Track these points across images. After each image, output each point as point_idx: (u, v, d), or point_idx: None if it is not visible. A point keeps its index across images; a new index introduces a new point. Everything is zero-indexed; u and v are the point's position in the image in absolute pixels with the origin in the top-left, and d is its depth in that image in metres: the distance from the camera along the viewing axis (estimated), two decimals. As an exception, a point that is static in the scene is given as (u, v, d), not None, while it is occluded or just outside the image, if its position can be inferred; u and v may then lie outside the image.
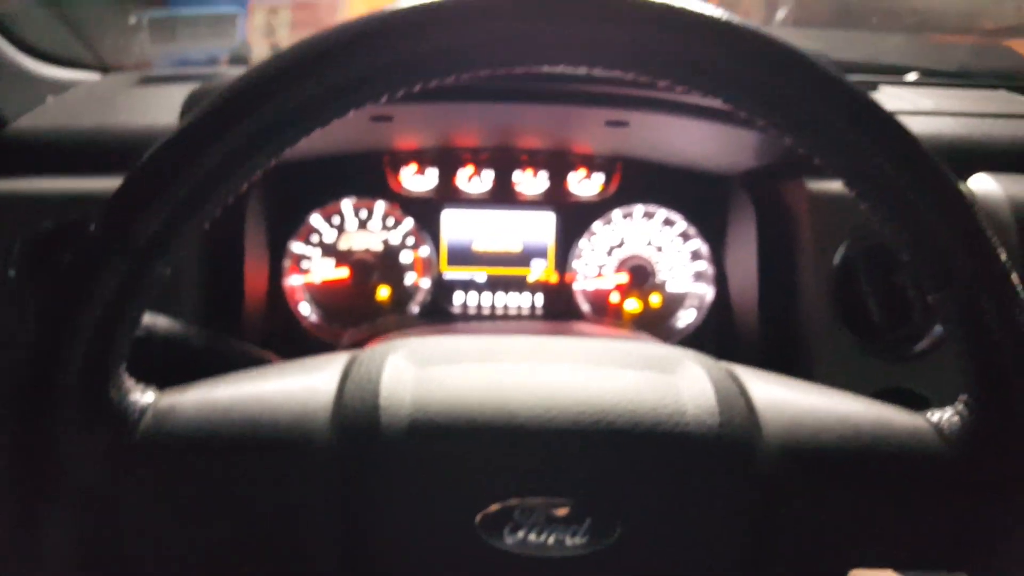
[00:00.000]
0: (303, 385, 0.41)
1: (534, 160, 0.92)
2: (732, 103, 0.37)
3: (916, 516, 0.40)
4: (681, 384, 0.41)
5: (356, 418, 0.39)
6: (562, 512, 0.37)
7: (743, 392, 0.41)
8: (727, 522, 0.38)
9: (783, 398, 0.42)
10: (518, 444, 0.38)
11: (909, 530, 0.40)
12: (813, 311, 0.78)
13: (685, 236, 0.93)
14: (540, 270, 0.92)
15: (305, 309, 0.91)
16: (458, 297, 0.92)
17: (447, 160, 0.92)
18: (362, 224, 0.91)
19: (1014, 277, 0.38)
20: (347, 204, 0.91)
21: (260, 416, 0.39)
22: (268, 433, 0.38)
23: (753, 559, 0.39)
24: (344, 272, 0.90)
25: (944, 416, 0.41)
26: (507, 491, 0.37)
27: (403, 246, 0.91)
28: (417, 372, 0.41)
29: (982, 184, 0.75)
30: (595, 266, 0.93)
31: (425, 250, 0.91)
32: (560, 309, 0.93)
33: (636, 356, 0.43)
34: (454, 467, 0.38)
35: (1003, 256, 0.38)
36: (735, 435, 0.39)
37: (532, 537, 0.37)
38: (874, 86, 0.92)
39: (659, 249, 0.93)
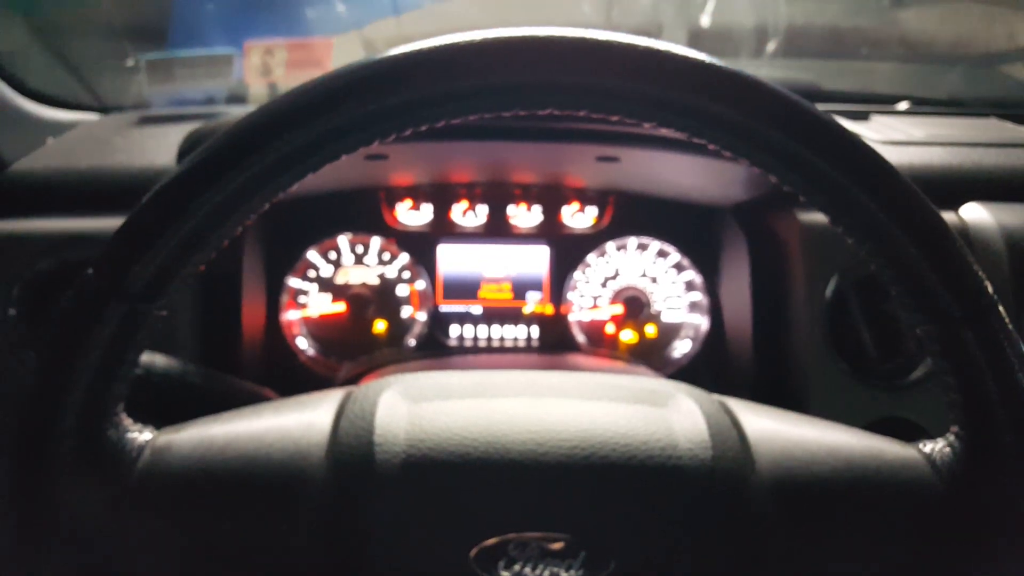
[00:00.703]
0: (298, 422, 0.41)
1: (527, 194, 0.93)
2: (715, 144, 0.38)
3: (907, 548, 0.40)
4: (673, 417, 0.41)
5: (351, 454, 0.39)
6: (557, 546, 0.37)
7: (735, 424, 0.42)
8: (720, 555, 0.38)
9: (775, 430, 0.42)
10: (512, 479, 0.38)
11: (901, 562, 0.40)
12: (806, 341, 0.79)
13: (679, 267, 0.93)
14: (535, 302, 0.93)
15: (302, 343, 0.91)
16: (454, 330, 0.93)
17: (442, 195, 0.93)
18: (358, 259, 0.92)
19: (999, 310, 0.39)
20: (343, 240, 0.92)
21: (256, 454, 0.39)
22: (264, 470, 0.39)
23: None
24: (341, 307, 0.91)
25: (936, 448, 0.41)
26: (501, 526, 0.37)
27: (399, 280, 0.92)
28: (411, 408, 0.41)
29: (973, 213, 0.76)
30: (590, 297, 0.93)
31: (421, 284, 0.92)
32: (556, 340, 0.93)
33: (628, 390, 0.44)
34: (448, 502, 0.38)
35: (988, 289, 0.38)
36: (728, 468, 0.39)
37: (527, 571, 0.37)
38: (865, 116, 0.93)
39: (654, 280, 0.93)
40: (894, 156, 0.77)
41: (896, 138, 0.85)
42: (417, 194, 0.92)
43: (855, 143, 0.38)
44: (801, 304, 0.79)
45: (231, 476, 0.39)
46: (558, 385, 0.45)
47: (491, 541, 0.37)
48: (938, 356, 0.39)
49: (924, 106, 1.00)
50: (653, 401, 0.43)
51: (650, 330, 0.93)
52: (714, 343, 0.93)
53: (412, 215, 0.92)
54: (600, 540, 0.38)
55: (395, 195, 0.92)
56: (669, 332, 0.93)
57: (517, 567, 0.37)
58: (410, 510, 0.38)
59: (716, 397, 0.44)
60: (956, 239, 0.38)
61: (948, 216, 0.43)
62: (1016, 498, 0.39)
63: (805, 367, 0.78)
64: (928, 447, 0.42)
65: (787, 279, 0.81)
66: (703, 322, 0.93)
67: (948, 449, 0.41)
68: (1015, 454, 0.39)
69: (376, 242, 0.92)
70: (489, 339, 0.93)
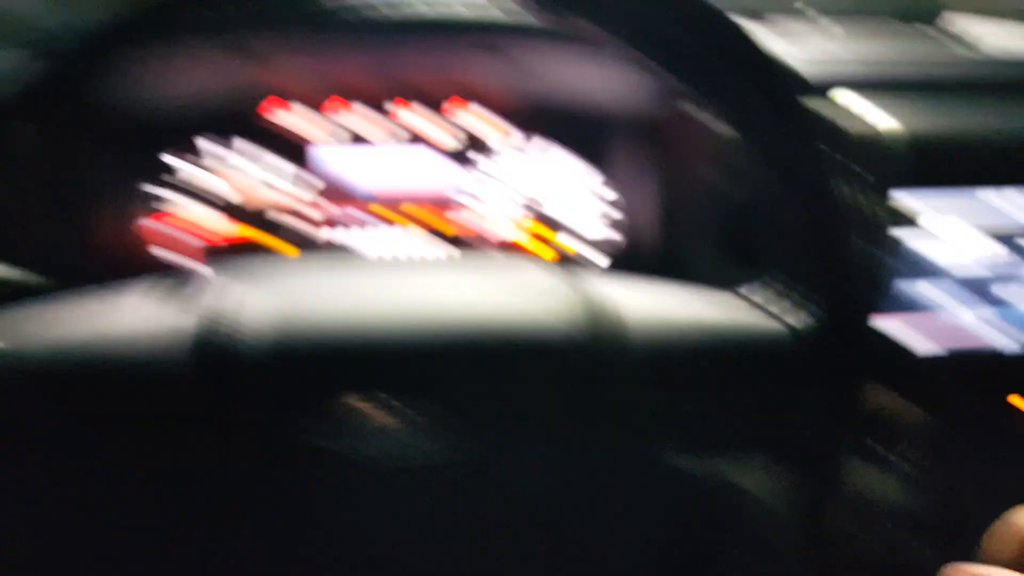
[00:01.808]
0: (154, 316, 0.40)
1: (427, 98, 0.87)
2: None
3: (768, 411, 0.44)
4: (542, 290, 0.41)
5: (214, 345, 0.37)
6: (414, 419, 0.37)
7: (602, 295, 0.42)
8: (580, 416, 0.40)
9: (644, 302, 0.43)
10: (369, 352, 0.37)
11: (756, 419, 0.44)
12: (705, 253, 0.79)
13: (586, 178, 0.90)
14: (438, 216, 0.88)
15: (171, 258, 0.84)
16: (347, 246, 0.87)
17: (319, 97, 0.85)
18: (234, 166, 0.84)
19: (846, 186, 0.41)
20: (215, 144, 0.84)
21: (109, 345, 0.37)
22: (116, 362, 0.37)
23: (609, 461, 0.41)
24: (215, 218, 0.84)
25: (798, 316, 0.44)
26: (359, 398, 0.37)
27: (282, 190, 0.85)
28: (275, 293, 0.39)
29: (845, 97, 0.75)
30: (494, 211, 0.89)
31: (307, 194, 0.86)
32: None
33: (496, 267, 0.43)
34: (300, 373, 0.37)
35: (840, 161, 0.41)
36: (596, 338, 0.39)
37: (384, 445, 0.37)
38: (759, 14, 0.91)
39: (562, 193, 0.90)
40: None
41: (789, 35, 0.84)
42: (293, 95, 0.85)
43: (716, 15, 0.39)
44: (699, 207, 0.79)
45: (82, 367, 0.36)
46: (421, 263, 0.44)
47: (347, 413, 0.37)
48: (798, 226, 0.42)
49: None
50: (520, 277, 0.42)
51: (554, 246, 0.91)
52: (621, 256, 0.92)
53: (287, 118, 0.85)
54: (462, 413, 0.38)
55: (275, 96, 0.84)
56: (578, 246, 0.91)
57: (373, 438, 0.37)
58: (268, 393, 0.38)
59: (587, 276, 0.45)
60: (812, 119, 0.41)
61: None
62: (865, 357, 0.44)
63: (700, 271, 0.79)
64: (790, 316, 0.44)
65: (686, 184, 0.81)
66: (610, 235, 0.91)
67: (809, 318, 0.43)
68: (866, 317, 0.43)
69: (248, 146, 0.84)
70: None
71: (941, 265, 0.80)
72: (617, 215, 0.91)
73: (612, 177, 0.91)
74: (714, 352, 0.42)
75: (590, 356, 0.39)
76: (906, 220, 0.67)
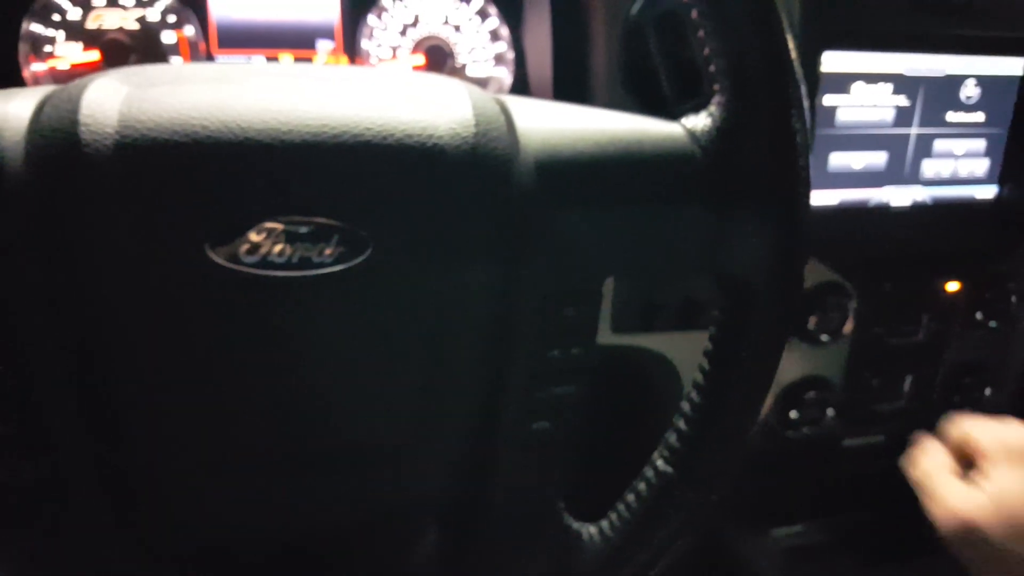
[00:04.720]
0: None
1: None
2: None
3: (668, 220, 0.41)
4: (436, 100, 0.38)
5: (52, 137, 0.33)
6: (303, 230, 0.34)
7: (503, 110, 0.40)
8: (481, 237, 0.38)
9: (542, 114, 0.41)
10: (249, 161, 0.34)
11: (661, 235, 0.42)
12: (604, 89, 0.77)
13: (483, 14, 0.87)
14: (327, 52, 0.84)
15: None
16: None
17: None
18: (111, -1, 0.79)
19: None
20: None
21: None
22: None
23: (511, 271, 0.39)
24: (95, 56, 0.78)
25: (698, 121, 0.42)
26: (241, 212, 0.34)
27: (164, 24, 0.80)
28: (129, 91, 0.35)
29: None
30: (388, 48, 0.86)
31: (190, 29, 0.81)
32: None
33: (391, 76, 0.40)
34: (173, 189, 0.33)
35: None
36: (490, 147, 0.37)
37: (274, 258, 0.34)
38: None
39: (457, 29, 0.87)
40: None
41: None
42: (175, -83, 0.78)
43: None
44: (600, 49, 0.77)
45: None
46: (311, 72, 0.40)
47: (228, 227, 0.34)
48: (705, 21, 0.39)
49: None
50: (417, 87, 0.39)
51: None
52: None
53: (171, -57, 0.79)
54: (354, 221, 0.35)
55: (147, -83, 0.78)
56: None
57: (261, 253, 0.34)
58: (127, 201, 0.33)
59: (486, 92, 0.42)
60: None
61: None
62: (766, 164, 0.41)
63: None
64: (691, 121, 0.42)
65: (586, 22, 0.78)
66: (506, 76, 0.89)
67: (709, 120, 0.41)
68: (770, 119, 0.40)
69: (130, -24, 0.78)
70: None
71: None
72: (518, 54, 0.89)
73: (514, 15, 0.88)
74: (615, 159, 0.40)
75: (487, 165, 0.37)
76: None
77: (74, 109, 0.33)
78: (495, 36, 0.88)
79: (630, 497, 0.46)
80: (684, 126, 0.42)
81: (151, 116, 0.34)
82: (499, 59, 0.89)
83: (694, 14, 0.40)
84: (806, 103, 0.40)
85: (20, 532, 0.40)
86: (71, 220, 0.33)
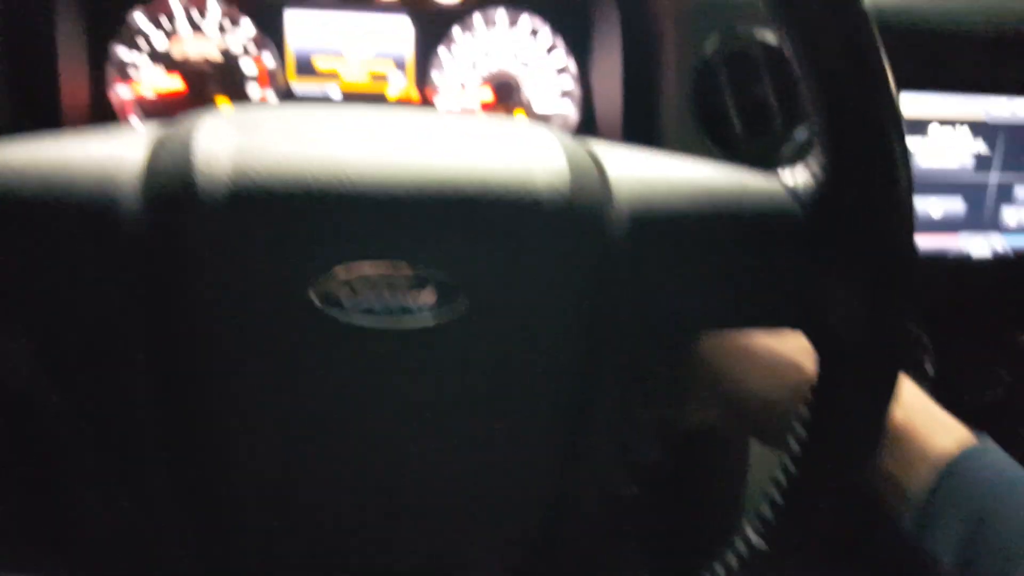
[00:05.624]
0: (107, 148, 0.36)
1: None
2: None
3: (766, 277, 0.40)
4: (532, 152, 0.38)
5: (167, 179, 0.34)
6: (403, 276, 0.35)
7: (595, 160, 0.39)
8: (576, 288, 0.37)
9: (636, 165, 0.40)
10: (353, 208, 0.34)
11: (759, 291, 0.40)
12: (675, 125, 0.77)
13: (551, 49, 0.88)
14: (399, 84, 0.86)
15: (136, 124, 0.82)
16: (309, 113, 0.85)
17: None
18: (195, 27, 0.81)
19: (871, 28, 0.36)
20: (175, 2, 0.80)
21: (56, 179, 0.34)
22: (66, 198, 0.34)
23: (603, 325, 0.38)
24: (177, 82, 0.81)
25: (799, 178, 0.41)
26: (343, 257, 0.34)
27: (244, 53, 0.83)
28: (240, 136, 0.36)
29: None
30: (457, 81, 0.87)
31: (269, 58, 0.83)
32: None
33: (487, 127, 0.41)
34: (282, 233, 0.34)
35: (862, 6, 0.36)
36: (586, 199, 0.37)
37: (372, 303, 0.35)
38: None
39: (525, 64, 0.88)
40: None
41: None
42: (260, -48, 0.81)
43: None
44: (671, 84, 0.76)
45: (27, 201, 0.33)
46: (414, 119, 0.40)
47: (333, 274, 0.34)
48: (807, 78, 0.37)
49: None
50: (512, 136, 0.39)
51: (520, 118, 0.89)
52: (584, 133, 0.90)
53: (255, -24, 0.82)
54: (450, 271, 0.35)
55: (235, -49, 0.81)
56: (539, 122, 0.89)
57: (362, 300, 0.34)
58: (238, 243, 0.34)
59: (578, 138, 0.41)
60: None
61: None
62: (871, 222, 0.39)
63: (674, 151, 0.77)
64: (791, 178, 0.41)
65: (658, 60, 0.78)
66: (573, 112, 0.89)
67: (811, 178, 0.40)
68: (875, 179, 0.38)
69: (214, 7, 0.81)
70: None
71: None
72: (585, 90, 0.89)
73: (583, 50, 0.88)
74: (711, 214, 0.39)
75: (581, 217, 0.37)
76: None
77: (189, 156, 0.34)
78: (562, 71, 0.89)
79: (719, 569, 0.44)
80: (783, 183, 0.41)
81: (264, 164, 0.34)
82: (565, 94, 0.89)
83: (788, 53, 0.38)
84: (912, 158, 0.38)
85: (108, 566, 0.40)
86: (182, 263, 0.34)
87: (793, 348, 0.50)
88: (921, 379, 0.88)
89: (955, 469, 0.45)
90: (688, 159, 0.43)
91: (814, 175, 0.40)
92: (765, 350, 0.50)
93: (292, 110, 0.40)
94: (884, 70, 0.37)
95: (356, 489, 0.40)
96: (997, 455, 0.47)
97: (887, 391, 0.41)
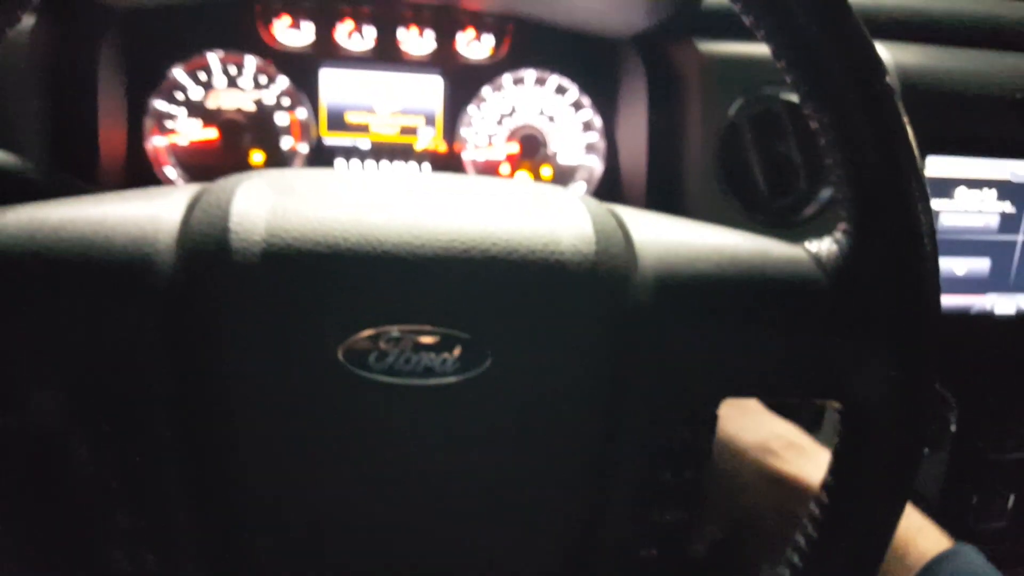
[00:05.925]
0: (145, 209, 0.37)
1: (420, 17, 0.86)
2: None
3: (790, 344, 0.40)
4: (558, 215, 0.39)
5: (203, 240, 0.35)
6: (430, 340, 0.35)
7: (620, 224, 0.40)
8: (600, 352, 0.37)
9: (660, 230, 0.41)
10: (384, 271, 0.35)
11: (782, 358, 0.40)
12: (700, 182, 0.78)
13: (577, 105, 0.89)
14: (428, 138, 0.88)
15: (171, 174, 0.84)
16: (339, 165, 0.87)
17: (325, 13, 0.84)
18: (231, 81, 0.84)
19: (896, 101, 0.37)
20: (214, 58, 0.83)
21: (95, 237, 0.35)
22: (103, 255, 0.35)
23: (626, 389, 0.38)
24: (213, 134, 0.83)
25: (823, 246, 0.41)
26: (372, 319, 0.35)
27: (278, 107, 0.85)
28: (275, 198, 0.37)
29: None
30: (485, 135, 0.89)
31: (302, 112, 0.85)
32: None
33: (513, 190, 0.41)
34: (313, 295, 0.35)
35: (886, 75, 0.37)
36: (611, 264, 0.37)
37: (400, 366, 0.35)
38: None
39: (551, 119, 0.89)
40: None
41: None
42: (297, 10, 0.84)
43: None
44: (696, 142, 0.77)
45: (64, 258, 0.34)
46: (440, 183, 0.41)
47: (361, 335, 0.35)
48: (831, 146, 0.38)
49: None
50: (538, 200, 0.40)
51: (545, 172, 0.90)
52: (608, 187, 0.91)
53: (291, 34, 0.84)
54: (476, 333, 0.36)
55: (272, 10, 0.83)
56: (564, 175, 0.91)
57: (389, 361, 0.35)
58: (270, 303, 0.35)
59: (603, 203, 0.42)
60: (858, 23, 0.37)
61: None
62: (895, 292, 0.39)
63: (697, 209, 0.78)
64: (815, 246, 0.41)
65: (683, 116, 0.79)
66: (598, 165, 0.90)
67: (835, 246, 0.40)
68: (900, 247, 0.38)
69: (251, 62, 0.83)
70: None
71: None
72: (610, 144, 0.90)
73: (609, 107, 0.90)
74: (735, 280, 0.39)
75: (605, 281, 0.37)
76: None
77: (224, 216, 0.36)
78: (588, 127, 0.90)
79: None
80: (808, 251, 0.41)
81: (296, 226, 0.35)
82: (590, 148, 0.90)
83: (813, 125, 0.39)
84: (936, 221, 0.38)
85: None
86: (213, 319, 0.35)
87: (812, 466, 0.51)
88: (944, 436, 0.87)
89: (932, 571, 0.45)
90: (713, 226, 0.43)
91: (837, 242, 0.40)
92: (783, 464, 0.52)
93: (326, 173, 0.41)
94: (909, 141, 0.38)
95: (379, 547, 0.40)
96: (974, 557, 0.47)
97: (913, 462, 0.41)
